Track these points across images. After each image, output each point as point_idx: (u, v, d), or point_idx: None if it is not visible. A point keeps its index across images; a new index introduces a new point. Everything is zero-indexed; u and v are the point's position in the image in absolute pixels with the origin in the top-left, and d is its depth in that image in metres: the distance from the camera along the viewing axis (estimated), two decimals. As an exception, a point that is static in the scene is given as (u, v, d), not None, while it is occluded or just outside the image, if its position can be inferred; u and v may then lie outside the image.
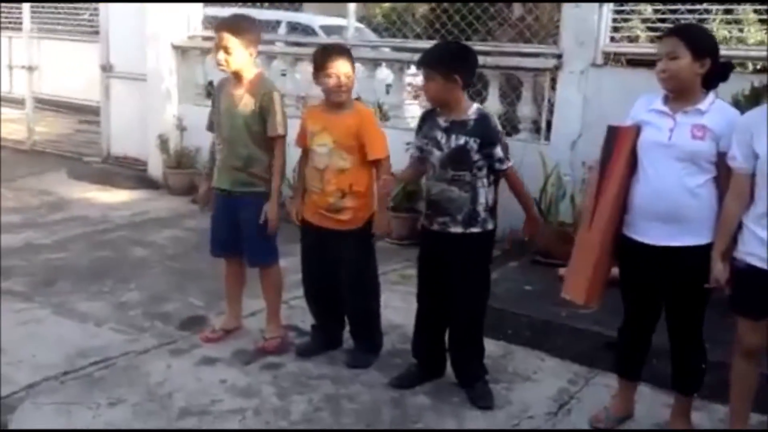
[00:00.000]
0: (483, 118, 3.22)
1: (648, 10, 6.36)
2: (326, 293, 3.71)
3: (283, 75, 7.42)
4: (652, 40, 5.54)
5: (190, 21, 7.52)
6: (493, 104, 5.84)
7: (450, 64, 3.17)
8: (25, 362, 3.59)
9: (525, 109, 5.75)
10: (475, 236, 3.26)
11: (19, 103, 9.58)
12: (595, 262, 3.06)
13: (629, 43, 5.42)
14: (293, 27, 11.43)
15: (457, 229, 3.25)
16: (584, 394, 3.54)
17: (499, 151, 3.19)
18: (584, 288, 3.10)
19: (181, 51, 7.52)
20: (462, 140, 3.18)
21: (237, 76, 3.65)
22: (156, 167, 7.63)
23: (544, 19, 7.16)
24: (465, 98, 3.27)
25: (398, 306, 4.36)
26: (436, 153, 3.24)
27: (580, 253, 3.14)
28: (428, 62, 3.23)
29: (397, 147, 3.63)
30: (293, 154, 3.80)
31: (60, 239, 5.69)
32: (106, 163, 8.31)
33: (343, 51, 3.56)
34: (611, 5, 5.29)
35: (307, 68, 6.99)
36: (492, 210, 3.29)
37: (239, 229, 3.74)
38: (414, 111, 8.82)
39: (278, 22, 10.73)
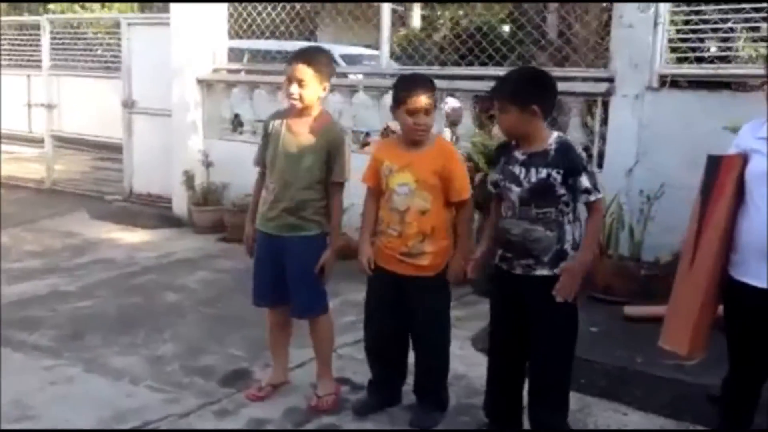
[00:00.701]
0: (563, 145, 2.90)
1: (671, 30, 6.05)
2: (393, 346, 3.37)
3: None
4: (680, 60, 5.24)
5: (216, 54, 7.29)
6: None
7: (527, 93, 2.85)
8: (59, 429, 3.26)
9: (575, 136, 5.41)
10: (563, 277, 2.92)
11: (38, 142, 9.36)
12: (701, 306, 2.71)
13: (690, 65, 5.09)
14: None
15: (544, 272, 2.92)
16: (680, 454, 3.18)
17: (585, 181, 2.86)
18: (687, 337, 2.74)
19: (206, 85, 7.28)
20: (543, 173, 2.86)
21: (304, 112, 3.36)
22: (181, 204, 7.36)
23: (588, 34, 6.89)
24: (544, 127, 2.94)
25: (457, 353, 3.99)
26: (515, 189, 2.92)
27: (681, 296, 2.79)
28: (502, 93, 2.91)
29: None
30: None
31: (86, 285, 5.38)
32: (128, 201, 8.06)
33: (426, 84, 3.19)
34: (666, 25, 4.99)
35: (331, 98, 6.72)
36: (579, 247, 2.95)
37: (285, 274, 3.43)
38: (447, 137, 8.55)
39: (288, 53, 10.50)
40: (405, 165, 3.19)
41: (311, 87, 3.28)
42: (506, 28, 10.86)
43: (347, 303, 4.62)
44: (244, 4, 7.39)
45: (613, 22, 5.20)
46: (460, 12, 11.07)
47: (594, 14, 7.92)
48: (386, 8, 6.35)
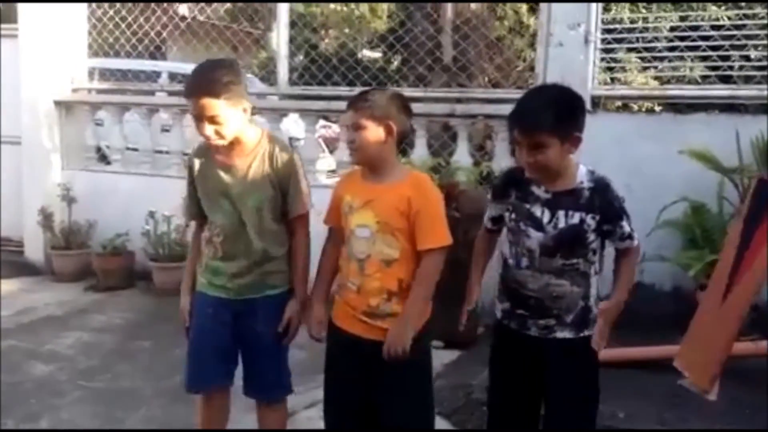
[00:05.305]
0: (599, 184, 2.37)
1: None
2: (359, 429, 2.67)
3: (166, 131, 6.30)
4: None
5: (75, 71, 6.28)
6: (463, 158, 5.09)
7: (570, 120, 2.29)
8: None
9: (503, 163, 5.00)
10: (587, 340, 2.40)
11: None
12: (728, 343, 2.44)
13: (622, 85, 4.83)
14: (176, 79, 10.24)
15: (565, 334, 2.40)
16: None
17: (626, 226, 2.37)
18: (710, 374, 2.50)
19: (65, 107, 6.25)
20: (576, 218, 2.33)
21: (234, 143, 2.62)
22: (36, 248, 6.29)
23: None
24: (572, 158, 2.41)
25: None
26: (536, 235, 2.36)
27: (708, 331, 2.58)
28: (542, 123, 2.26)
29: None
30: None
31: None
32: (-33, 246, 6.78)
33: (356, 98, 2.54)
34: (598, 44, 4.70)
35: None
36: (600, 301, 2.45)
37: (237, 346, 2.72)
38: (328, 164, 7.99)
39: (158, 73, 9.57)
40: (366, 201, 2.53)
41: (229, 118, 2.52)
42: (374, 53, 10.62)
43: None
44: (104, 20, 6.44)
45: (540, 39, 4.86)
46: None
47: (478, 34, 7.64)
48: (283, 9, 5.75)
